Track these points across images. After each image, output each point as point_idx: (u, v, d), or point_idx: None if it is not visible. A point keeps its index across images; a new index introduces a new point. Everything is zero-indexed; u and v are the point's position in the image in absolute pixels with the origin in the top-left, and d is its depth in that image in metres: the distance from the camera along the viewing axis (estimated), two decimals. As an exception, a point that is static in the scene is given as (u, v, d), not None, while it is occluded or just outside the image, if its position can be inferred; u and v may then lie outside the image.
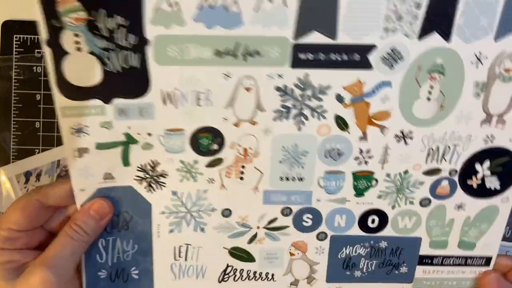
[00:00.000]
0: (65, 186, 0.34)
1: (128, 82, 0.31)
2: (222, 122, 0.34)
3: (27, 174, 0.43)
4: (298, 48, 0.31)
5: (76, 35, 0.29)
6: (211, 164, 0.35)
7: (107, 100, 0.32)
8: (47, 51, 0.30)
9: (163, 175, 0.35)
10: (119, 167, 0.35)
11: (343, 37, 0.31)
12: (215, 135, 0.34)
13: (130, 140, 0.34)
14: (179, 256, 0.38)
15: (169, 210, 0.37)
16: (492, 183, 0.37)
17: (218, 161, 0.35)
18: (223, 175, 0.36)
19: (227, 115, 0.34)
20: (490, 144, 0.36)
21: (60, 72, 0.30)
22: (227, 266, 0.39)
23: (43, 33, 0.29)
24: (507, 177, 0.37)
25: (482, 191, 0.37)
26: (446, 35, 0.32)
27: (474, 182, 0.37)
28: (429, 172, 0.37)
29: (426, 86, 0.34)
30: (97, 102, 0.32)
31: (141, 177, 0.35)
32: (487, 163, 0.36)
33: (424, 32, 0.32)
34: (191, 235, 0.38)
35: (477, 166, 0.37)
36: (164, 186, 0.36)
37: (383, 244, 0.39)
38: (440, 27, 0.32)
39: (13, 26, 0.43)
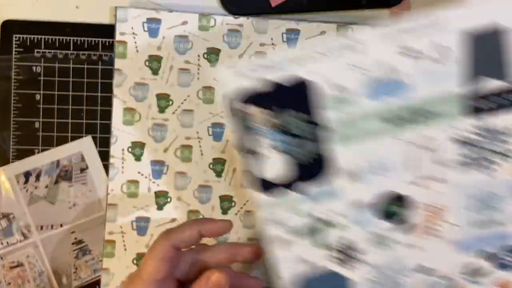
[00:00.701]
0: (196, 229, 0.34)
1: (314, 169, 0.32)
2: (405, 187, 0.31)
3: (27, 174, 0.43)
4: (473, 99, 0.29)
5: (269, 138, 0.32)
6: (403, 231, 0.33)
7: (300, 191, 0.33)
8: (243, 156, 0.32)
9: (356, 249, 0.33)
10: (312, 251, 0.33)
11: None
12: (401, 201, 0.32)
13: (327, 224, 0.33)
14: None
15: (371, 282, 0.34)
16: None
17: (409, 226, 0.33)
18: (416, 236, 0.33)
19: (408, 178, 0.31)
20: None
21: (255, 173, 0.32)
22: None
23: (242, 144, 0.32)
24: None
25: None
26: None
27: None
28: None
29: None
30: (293, 194, 0.33)
31: (336, 257, 0.34)
32: None
33: None
34: None
35: None
36: (360, 260, 0.34)
37: None
38: None
39: (13, 26, 0.42)
